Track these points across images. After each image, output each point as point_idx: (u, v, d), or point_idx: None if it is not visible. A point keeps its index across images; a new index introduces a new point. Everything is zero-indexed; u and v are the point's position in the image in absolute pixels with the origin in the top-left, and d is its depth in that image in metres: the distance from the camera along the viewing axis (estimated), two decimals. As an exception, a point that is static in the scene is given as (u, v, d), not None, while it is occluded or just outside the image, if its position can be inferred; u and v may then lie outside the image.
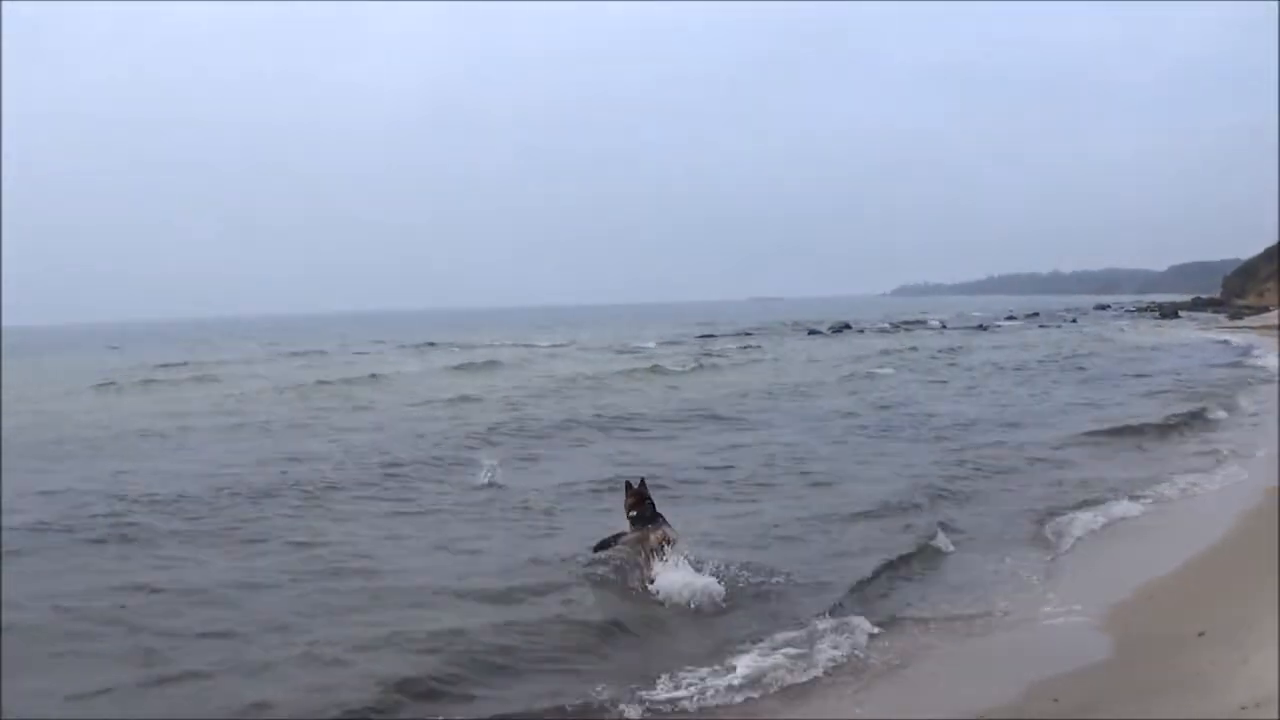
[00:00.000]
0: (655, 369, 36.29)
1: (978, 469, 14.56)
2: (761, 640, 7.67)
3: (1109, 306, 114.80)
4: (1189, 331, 56.09)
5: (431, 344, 62.34)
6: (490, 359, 43.54)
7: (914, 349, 46.68)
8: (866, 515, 11.61)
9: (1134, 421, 18.55)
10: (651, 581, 9.02)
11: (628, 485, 10.22)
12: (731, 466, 15.17)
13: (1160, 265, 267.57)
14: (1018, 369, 33.43)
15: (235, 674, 7.13)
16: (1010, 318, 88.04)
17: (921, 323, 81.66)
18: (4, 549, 10.56)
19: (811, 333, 69.15)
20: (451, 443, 17.97)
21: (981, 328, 72.53)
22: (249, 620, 8.24)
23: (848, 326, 75.47)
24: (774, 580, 9.09)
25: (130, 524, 11.67)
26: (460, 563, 10.10)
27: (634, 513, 9.76)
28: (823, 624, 7.93)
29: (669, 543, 9.28)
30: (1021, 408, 22.22)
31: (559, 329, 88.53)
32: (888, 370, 34.06)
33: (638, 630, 8.12)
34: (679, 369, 36.52)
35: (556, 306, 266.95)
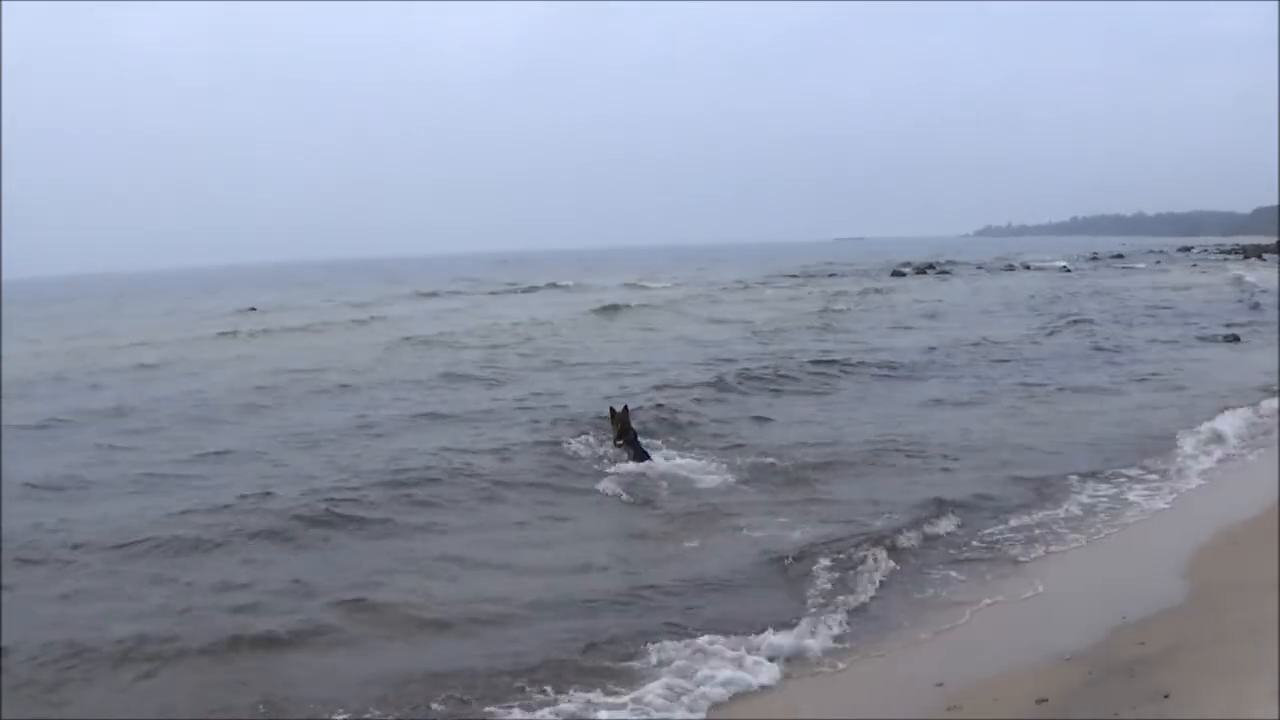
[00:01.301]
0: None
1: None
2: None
3: (1193, 249, 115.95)
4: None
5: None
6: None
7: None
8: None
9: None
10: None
11: (612, 411, 13.75)
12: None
13: (1245, 207, 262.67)
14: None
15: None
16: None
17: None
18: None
19: (934, 273, 69.04)
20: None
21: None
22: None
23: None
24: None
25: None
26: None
27: (620, 440, 13.38)
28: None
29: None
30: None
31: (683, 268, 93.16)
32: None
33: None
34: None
35: (641, 248, 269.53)
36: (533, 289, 65.66)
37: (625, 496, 12.10)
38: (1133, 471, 12.64)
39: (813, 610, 8.27)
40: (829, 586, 8.78)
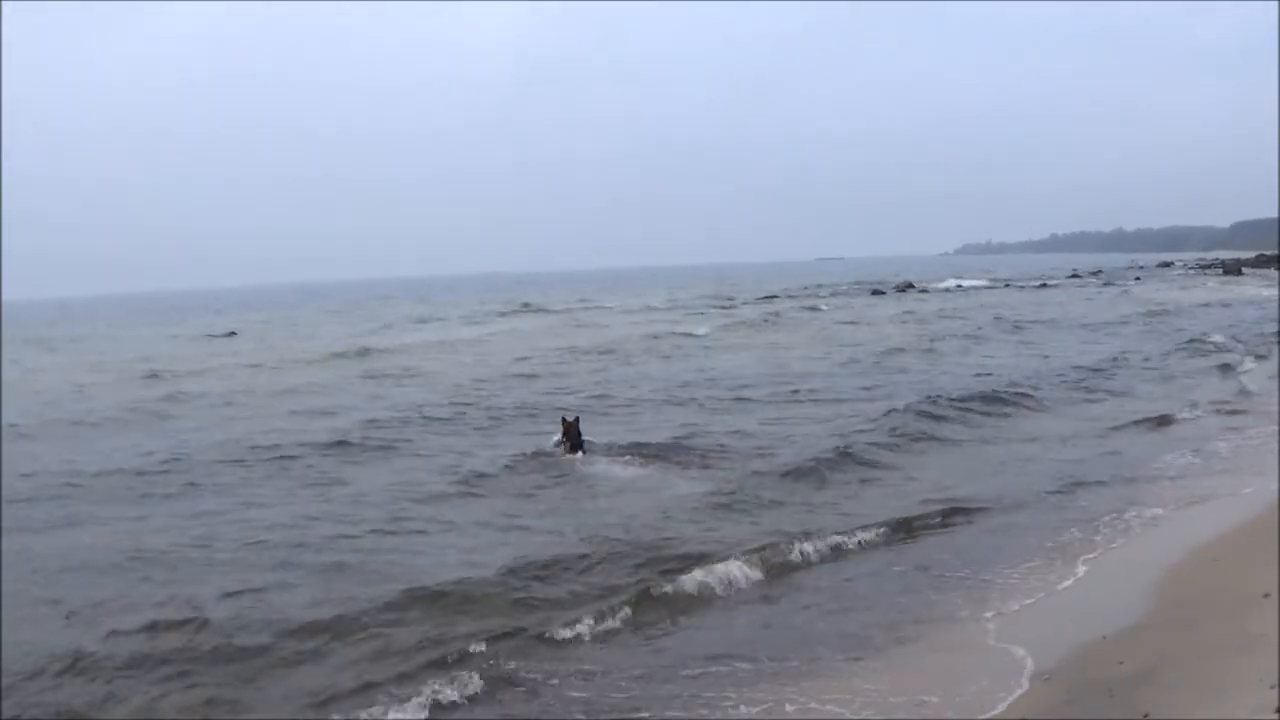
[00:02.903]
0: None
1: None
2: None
3: (1172, 264, 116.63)
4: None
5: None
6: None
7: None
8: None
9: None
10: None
11: (564, 420, 15.78)
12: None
13: (1224, 221, 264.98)
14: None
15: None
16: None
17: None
18: None
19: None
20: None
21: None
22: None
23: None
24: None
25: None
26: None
27: (567, 441, 15.35)
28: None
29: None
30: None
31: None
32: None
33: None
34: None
35: (606, 270, 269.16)
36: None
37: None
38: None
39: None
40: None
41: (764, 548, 10.22)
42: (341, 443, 16.61)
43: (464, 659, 7.72)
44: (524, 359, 32.01)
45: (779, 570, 9.88)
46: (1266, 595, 7.79)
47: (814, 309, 55.82)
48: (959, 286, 78.10)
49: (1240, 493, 12.16)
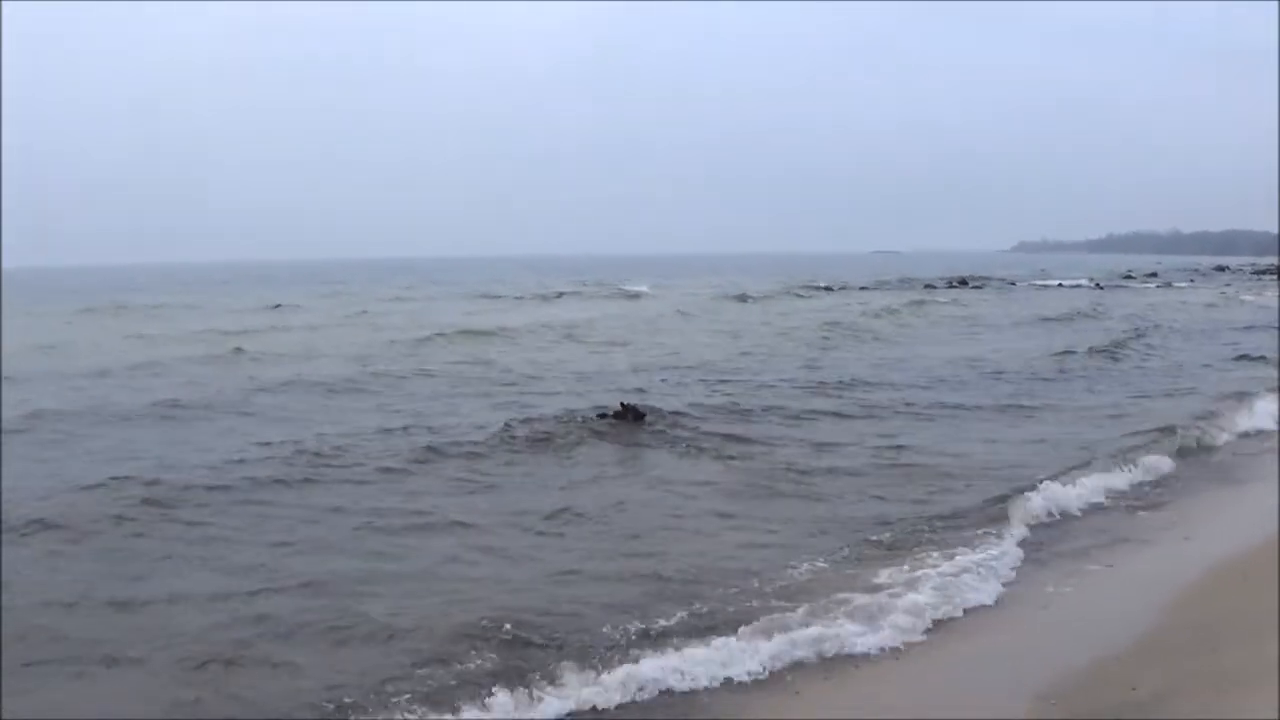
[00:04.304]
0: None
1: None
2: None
3: (1227, 268, 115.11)
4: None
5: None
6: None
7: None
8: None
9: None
10: None
11: (621, 405, 16.18)
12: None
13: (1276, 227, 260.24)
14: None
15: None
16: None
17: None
18: None
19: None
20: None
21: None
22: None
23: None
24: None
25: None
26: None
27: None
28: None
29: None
30: None
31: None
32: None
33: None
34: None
35: (669, 256, 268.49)
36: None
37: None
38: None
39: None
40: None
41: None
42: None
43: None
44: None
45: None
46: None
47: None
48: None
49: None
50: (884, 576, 9.09)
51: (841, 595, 8.56)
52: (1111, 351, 26.56)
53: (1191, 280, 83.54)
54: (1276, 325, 34.14)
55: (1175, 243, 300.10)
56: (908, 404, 18.56)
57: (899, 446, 14.76)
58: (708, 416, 16.75)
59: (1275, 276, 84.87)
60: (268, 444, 14.54)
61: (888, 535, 10.41)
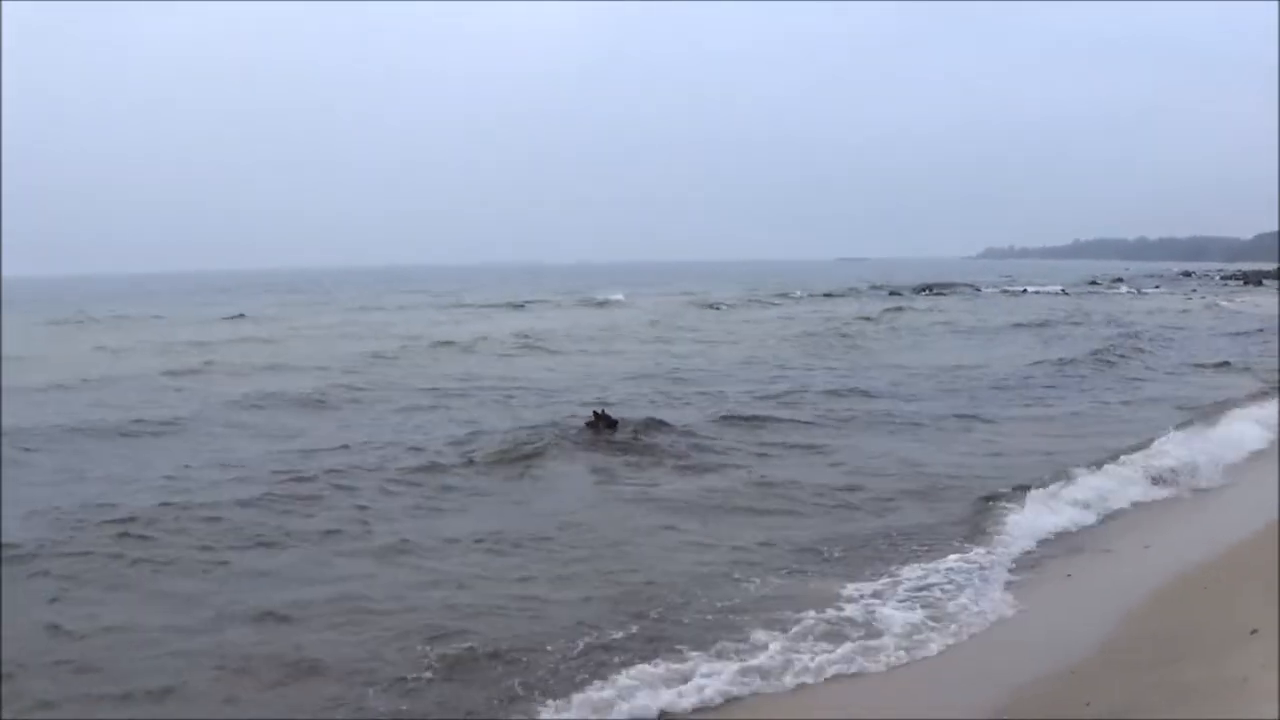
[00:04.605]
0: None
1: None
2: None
3: (1193, 274, 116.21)
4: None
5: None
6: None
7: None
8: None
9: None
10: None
11: (594, 413, 16.08)
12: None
13: (1246, 233, 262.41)
14: None
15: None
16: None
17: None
18: None
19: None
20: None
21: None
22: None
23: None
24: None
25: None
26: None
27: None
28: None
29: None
30: None
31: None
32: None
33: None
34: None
35: (615, 265, 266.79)
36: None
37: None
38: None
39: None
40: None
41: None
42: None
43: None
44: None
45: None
46: (1254, 631, 7.16)
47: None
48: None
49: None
50: (844, 591, 9.00)
51: (799, 613, 8.42)
52: (1078, 362, 26.44)
53: (1157, 286, 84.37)
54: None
55: (1142, 249, 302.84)
56: (870, 414, 18.55)
57: (862, 459, 14.71)
58: (679, 427, 16.59)
59: (1243, 282, 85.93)
60: (223, 465, 14.25)
61: (841, 550, 10.28)
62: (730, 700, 7.10)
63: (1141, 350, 29.15)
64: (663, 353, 30.95)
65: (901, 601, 8.75)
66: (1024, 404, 20.05)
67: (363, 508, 11.92)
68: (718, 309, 56.26)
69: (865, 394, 21.12)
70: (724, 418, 17.60)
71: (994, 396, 20.95)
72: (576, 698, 6.97)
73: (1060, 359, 26.99)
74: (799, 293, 74.97)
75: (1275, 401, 18.14)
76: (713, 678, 7.27)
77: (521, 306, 61.91)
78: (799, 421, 17.71)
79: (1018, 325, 41.33)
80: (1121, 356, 27.57)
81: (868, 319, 45.34)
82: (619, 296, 69.14)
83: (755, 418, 17.71)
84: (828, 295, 72.44)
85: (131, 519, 11.21)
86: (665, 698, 7.03)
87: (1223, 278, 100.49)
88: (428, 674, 7.40)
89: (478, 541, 10.73)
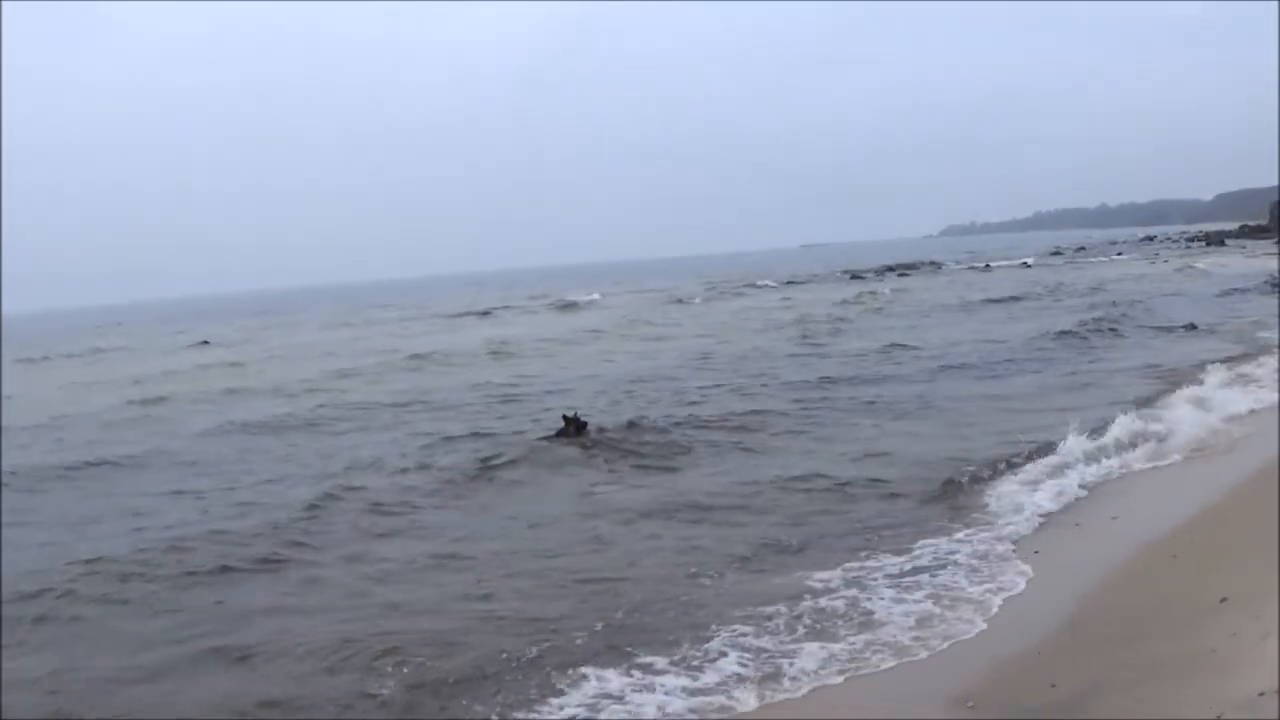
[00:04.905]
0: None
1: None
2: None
3: (1155, 238, 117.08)
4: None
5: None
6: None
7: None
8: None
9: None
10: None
11: (564, 418, 15.86)
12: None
13: (1207, 194, 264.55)
14: None
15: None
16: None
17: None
18: None
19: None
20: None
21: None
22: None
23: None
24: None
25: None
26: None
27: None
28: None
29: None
30: None
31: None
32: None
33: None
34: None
35: (578, 266, 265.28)
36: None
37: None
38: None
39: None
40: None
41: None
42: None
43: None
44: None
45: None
46: (1224, 600, 7.11)
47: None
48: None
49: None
50: (809, 582, 8.92)
51: (762, 608, 8.35)
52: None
53: (1120, 253, 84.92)
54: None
55: (1103, 216, 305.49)
56: (845, 400, 18.66)
57: (830, 447, 14.72)
58: (650, 427, 16.49)
59: (1205, 244, 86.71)
60: (181, 493, 14.07)
61: (799, 539, 10.28)
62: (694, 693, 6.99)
63: (1116, 325, 28.92)
64: (631, 352, 30.86)
65: (864, 590, 8.67)
66: (976, 378, 20.34)
67: (323, 530, 11.73)
68: (686, 304, 56.16)
69: (832, 381, 21.13)
70: (694, 415, 17.49)
71: (956, 375, 21.17)
72: (543, 710, 6.85)
73: (1043, 333, 27.32)
74: (764, 281, 75.00)
75: (1252, 364, 18.14)
76: (683, 677, 7.17)
77: (487, 313, 61.61)
78: (774, 412, 17.67)
79: (989, 301, 41.52)
80: (1095, 331, 27.58)
81: (838, 303, 45.42)
82: (595, 296, 68.98)
83: (728, 414, 17.57)
84: (790, 283, 72.58)
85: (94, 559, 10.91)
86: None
87: (1187, 240, 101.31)
88: (384, 692, 7.26)
89: (441, 556, 10.58)
